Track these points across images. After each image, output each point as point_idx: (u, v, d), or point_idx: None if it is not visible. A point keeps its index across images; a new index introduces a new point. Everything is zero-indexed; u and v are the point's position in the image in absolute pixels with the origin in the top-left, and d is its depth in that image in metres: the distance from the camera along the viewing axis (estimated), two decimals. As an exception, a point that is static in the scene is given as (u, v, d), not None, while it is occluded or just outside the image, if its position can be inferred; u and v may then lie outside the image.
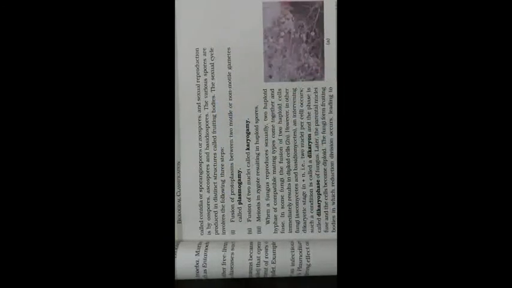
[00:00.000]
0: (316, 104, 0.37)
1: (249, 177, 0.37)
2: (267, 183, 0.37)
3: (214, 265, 0.35)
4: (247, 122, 0.37)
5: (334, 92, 0.37)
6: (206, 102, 0.37)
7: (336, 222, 0.37)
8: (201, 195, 0.38)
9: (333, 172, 0.37)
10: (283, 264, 0.36)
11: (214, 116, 0.37)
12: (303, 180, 0.37)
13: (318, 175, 0.37)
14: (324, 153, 0.37)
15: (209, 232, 0.38)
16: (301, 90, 0.37)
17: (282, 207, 0.38)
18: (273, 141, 0.37)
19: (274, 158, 0.37)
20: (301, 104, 0.37)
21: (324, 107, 0.37)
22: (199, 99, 0.37)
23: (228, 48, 0.37)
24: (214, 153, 0.37)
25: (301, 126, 0.37)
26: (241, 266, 0.35)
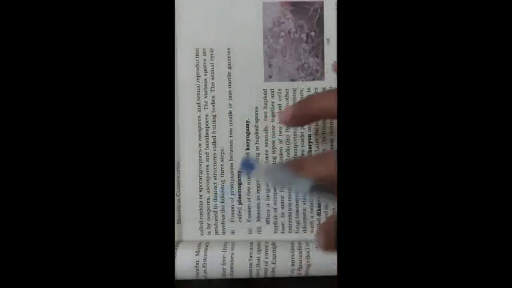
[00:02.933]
0: (316, 104, 0.37)
1: (249, 178, 0.37)
2: (267, 183, 0.37)
3: (214, 265, 0.35)
4: (247, 122, 0.37)
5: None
6: (206, 102, 0.37)
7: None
8: (200, 196, 0.38)
9: (333, 172, 0.37)
10: (283, 264, 0.36)
11: (214, 116, 0.37)
12: (303, 180, 0.37)
13: (318, 175, 0.37)
14: (324, 153, 0.37)
15: (209, 232, 0.38)
16: (301, 90, 0.37)
17: (282, 208, 0.38)
18: (273, 141, 0.37)
19: (274, 158, 0.37)
20: (301, 104, 0.37)
21: (324, 107, 0.37)
22: (199, 99, 0.37)
23: (228, 48, 0.37)
24: (214, 153, 0.37)
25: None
26: (241, 266, 0.35)
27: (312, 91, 0.37)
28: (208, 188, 0.37)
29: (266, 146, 0.37)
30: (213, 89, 0.37)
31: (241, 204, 0.38)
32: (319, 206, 0.37)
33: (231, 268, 0.35)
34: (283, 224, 0.38)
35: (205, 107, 0.37)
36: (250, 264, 0.35)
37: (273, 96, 0.37)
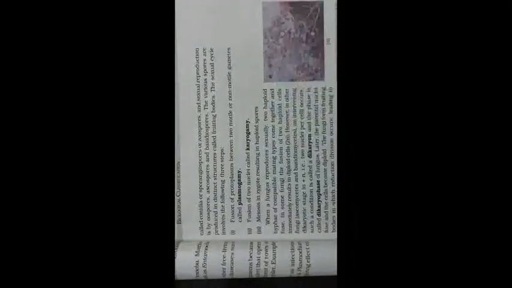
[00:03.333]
0: (316, 104, 0.37)
1: (249, 178, 0.37)
2: (267, 183, 0.37)
3: (214, 265, 0.35)
4: (247, 122, 0.37)
5: (334, 92, 0.37)
6: (206, 102, 0.37)
7: (336, 223, 0.37)
8: (200, 196, 0.37)
9: (333, 172, 0.37)
10: (283, 265, 0.36)
11: (214, 116, 0.37)
12: (303, 181, 0.37)
13: (318, 175, 0.37)
14: (324, 153, 0.37)
15: (209, 232, 0.38)
16: (301, 90, 0.37)
17: (282, 208, 0.38)
18: (273, 141, 0.37)
19: (274, 158, 0.37)
20: (301, 104, 0.37)
21: (324, 107, 0.37)
22: (199, 99, 0.37)
23: (228, 48, 0.37)
24: (214, 154, 0.37)
25: (301, 126, 0.37)
26: (241, 266, 0.35)
27: (312, 91, 0.37)
28: (208, 188, 0.37)
29: (266, 146, 0.37)
30: (213, 89, 0.37)
31: (241, 204, 0.38)
32: (319, 206, 0.37)
33: (231, 268, 0.35)
34: (283, 224, 0.38)
35: (205, 107, 0.37)
36: (250, 264, 0.35)
37: (273, 96, 0.37)
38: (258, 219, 0.38)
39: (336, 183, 0.37)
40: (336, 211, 0.37)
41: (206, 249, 0.36)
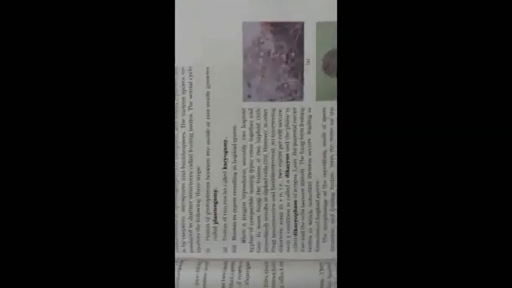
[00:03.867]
0: (294, 124, 0.37)
1: (225, 197, 0.37)
2: (244, 203, 0.37)
3: (186, 286, 0.35)
4: (225, 141, 0.37)
5: (313, 113, 0.37)
6: (183, 121, 0.37)
7: (313, 243, 0.38)
8: (176, 214, 0.37)
9: (310, 192, 0.37)
10: (256, 285, 0.36)
11: (191, 135, 0.37)
12: (280, 200, 0.37)
13: (295, 195, 0.37)
14: (302, 173, 0.37)
15: (184, 250, 0.37)
16: (280, 110, 0.37)
17: (258, 227, 0.38)
18: (251, 160, 0.37)
19: (252, 177, 0.37)
20: (280, 123, 0.37)
21: (302, 127, 0.37)
22: (176, 117, 0.37)
23: (207, 68, 0.37)
24: (191, 172, 0.37)
25: (280, 146, 0.37)
26: (214, 286, 0.35)
27: (291, 111, 0.37)
28: (183, 206, 0.37)
29: (244, 165, 0.37)
30: (190, 107, 0.37)
31: (217, 223, 0.37)
32: (295, 226, 0.38)
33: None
34: (259, 244, 0.38)
35: (182, 125, 0.37)
36: (223, 284, 0.35)
37: (251, 116, 0.37)
38: (234, 238, 0.38)
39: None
40: (315, 231, 0.38)
41: (180, 269, 0.35)
